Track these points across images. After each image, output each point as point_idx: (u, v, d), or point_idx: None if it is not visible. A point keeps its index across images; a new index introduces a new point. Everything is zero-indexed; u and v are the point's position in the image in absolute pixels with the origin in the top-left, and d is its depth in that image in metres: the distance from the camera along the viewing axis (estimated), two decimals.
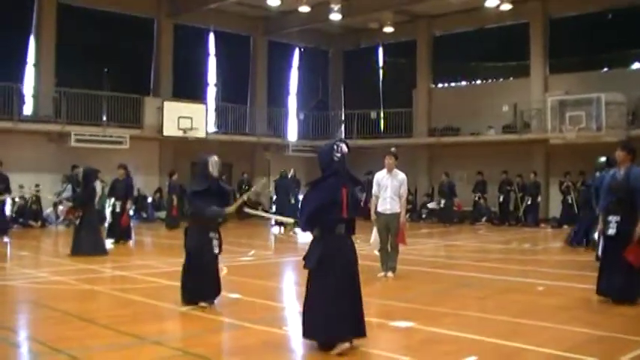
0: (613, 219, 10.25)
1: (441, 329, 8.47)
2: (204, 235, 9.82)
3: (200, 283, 9.75)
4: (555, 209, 28.43)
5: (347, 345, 7.24)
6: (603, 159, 14.82)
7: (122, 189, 19.48)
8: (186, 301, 9.81)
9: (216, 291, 9.91)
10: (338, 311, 7.25)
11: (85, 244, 16.34)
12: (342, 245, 7.57)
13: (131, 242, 19.66)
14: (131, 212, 21.58)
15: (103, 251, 16.68)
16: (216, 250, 9.88)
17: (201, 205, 9.70)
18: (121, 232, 19.39)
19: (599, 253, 11.35)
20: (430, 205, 30.89)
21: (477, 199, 29.28)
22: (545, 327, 8.60)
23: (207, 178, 9.94)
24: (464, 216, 29.44)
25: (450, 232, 24.80)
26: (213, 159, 10.03)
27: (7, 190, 21.05)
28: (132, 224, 20.60)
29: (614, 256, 10.18)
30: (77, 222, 16.73)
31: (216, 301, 9.86)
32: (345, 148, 7.65)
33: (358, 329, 7.44)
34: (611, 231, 10.27)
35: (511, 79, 32.73)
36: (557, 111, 27.45)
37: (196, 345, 7.75)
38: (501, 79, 33.11)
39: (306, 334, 7.50)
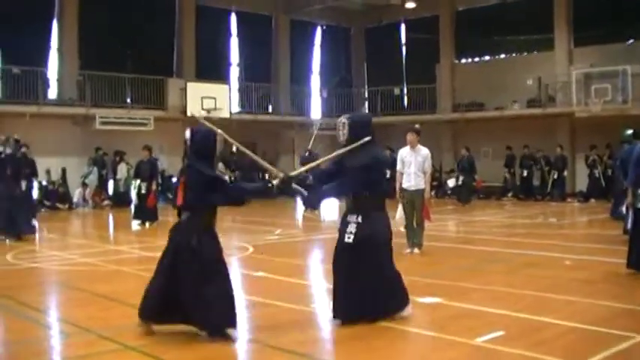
0: None
1: (467, 304, 8.47)
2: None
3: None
4: (582, 183, 28.27)
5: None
6: (630, 131, 14.72)
7: (147, 170, 19.54)
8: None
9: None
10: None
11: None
12: None
13: (157, 223, 19.72)
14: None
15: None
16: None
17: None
18: (147, 214, 19.47)
19: (628, 226, 11.24)
20: (450, 183, 30.33)
21: (508, 174, 29.02)
22: (571, 301, 8.58)
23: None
24: (490, 192, 29.27)
25: (475, 208, 24.69)
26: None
27: (34, 174, 21.21)
28: (158, 205, 20.67)
29: None
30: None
31: (238, 282, 9.87)
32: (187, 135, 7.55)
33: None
34: None
35: (535, 52, 32.41)
36: (583, 84, 27.24)
37: None
38: (525, 53, 32.80)
39: None
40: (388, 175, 11.84)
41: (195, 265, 7.16)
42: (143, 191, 19.47)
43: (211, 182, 7.34)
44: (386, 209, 7.86)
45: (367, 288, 7.53)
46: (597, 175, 26.54)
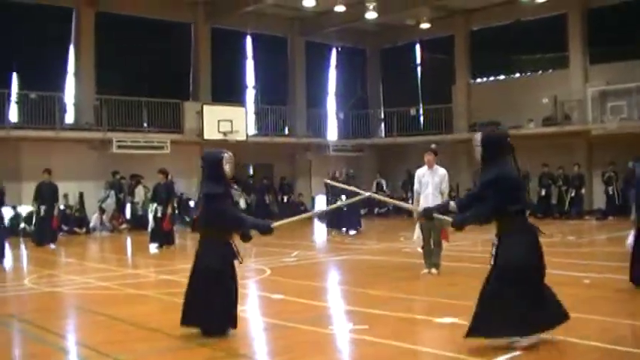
0: None
1: None
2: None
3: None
4: (599, 201, 28.17)
5: None
6: None
7: (163, 193, 19.60)
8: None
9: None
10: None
11: None
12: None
13: (174, 247, 19.73)
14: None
15: None
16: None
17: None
18: (163, 237, 19.49)
19: (628, 241, 11.13)
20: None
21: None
22: (591, 319, 8.52)
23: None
24: None
25: (494, 227, 24.51)
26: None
27: (55, 199, 21.40)
28: (175, 228, 20.69)
29: None
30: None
31: (257, 305, 9.88)
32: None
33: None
34: None
35: (550, 71, 32.38)
36: (598, 102, 27.24)
37: (242, 346, 7.81)
38: (540, 72, 32.73)
39: None
40: None
41: (198, 273, 8.19)
42: (159, 214, 19.52)
43: (211, 198, 8.13)
44: (528, 227, 7.54)
45: (500, 310, 7.24)
46: (611, 192, 26.50)
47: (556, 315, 7.36)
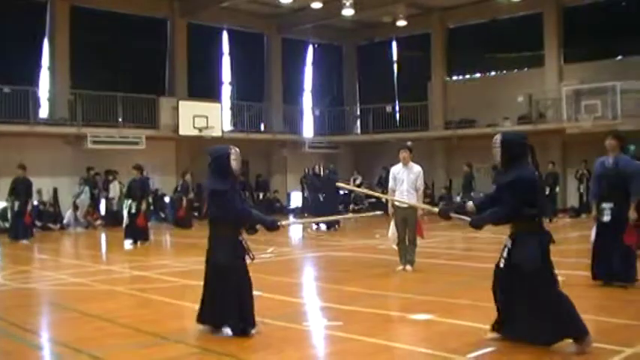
0: (607, 206, 10.52)
1: (460, 321, 8.46)
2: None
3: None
4: (573, 199, 28.34)
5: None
6: (632, 147, 14.89)
7: (137, 189, 19.50)
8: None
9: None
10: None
11: None
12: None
13: (149, 242, 19.64)
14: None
15: None
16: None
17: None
18: (138, 233, 19.39)
19: (592, 239, 11.21)
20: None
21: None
22: None
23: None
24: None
25: (468, 225, 24.56)
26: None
27: (29, 195, 21.19)
28: (150, 224, 20.60)
29: (611, 241, 10.44)
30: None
31: None
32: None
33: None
34: (606, 218, 10.53)
35: (526, 69, 32.55)
36: (573, 100, 27.38)
37: (217, 342, 7.77)
38: (516, 70, 32.91)
39: None
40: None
41: (209, 271, 8.13)
42: (133, 210, 19.42)
43: (218, 195, 8.01)
44: (542, 230, 7.34)
45: (524, 312, 7.28)
46: (583, 190, 26.73)
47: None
